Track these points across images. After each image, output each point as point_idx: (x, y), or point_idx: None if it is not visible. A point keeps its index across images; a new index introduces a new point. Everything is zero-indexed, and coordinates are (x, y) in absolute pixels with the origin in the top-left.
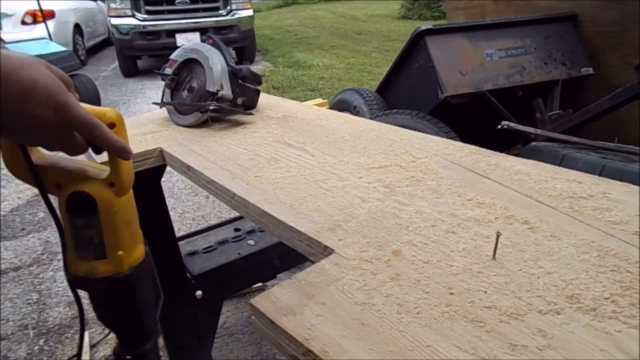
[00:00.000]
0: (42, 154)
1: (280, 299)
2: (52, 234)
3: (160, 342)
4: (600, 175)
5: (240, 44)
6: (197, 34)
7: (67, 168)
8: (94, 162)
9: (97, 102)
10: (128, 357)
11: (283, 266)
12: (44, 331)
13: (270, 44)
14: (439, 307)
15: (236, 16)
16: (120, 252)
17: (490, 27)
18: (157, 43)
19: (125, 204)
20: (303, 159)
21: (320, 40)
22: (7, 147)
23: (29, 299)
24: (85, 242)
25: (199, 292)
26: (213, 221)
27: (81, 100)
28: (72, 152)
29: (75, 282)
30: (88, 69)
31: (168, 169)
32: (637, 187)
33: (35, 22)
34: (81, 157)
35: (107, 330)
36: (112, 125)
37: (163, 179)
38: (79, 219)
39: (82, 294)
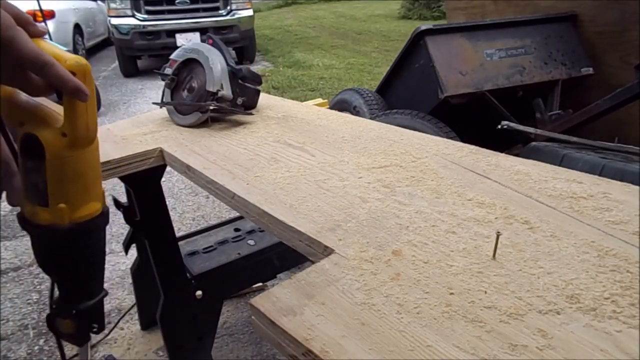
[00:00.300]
0: (8, 89)
1: (280, 299)
2: None
3: (160, 341)
4: (600, 175)
5: (240, 44)
6: (197, 34)
7: (28, 107)
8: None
9: (97, 102)
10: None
11: (283, 266)
12: (44, 331)
13: (270, 44)
14: (439, 307)
15: (236, 16)
16: (62, 205)
17: (490, 27)
18: (157, 43)
19: (79, 157)
20: (303, 159)
21: (320, 40)
22: None
23: (29, 299)
24: (31, 186)
25: (199, 292)
26: (213, 221)
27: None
28: (31, 92)
29: (20, 220)
30: None
31: (168, 169)
32: (637, 187)
33: (35, 22)
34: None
35: (107, 331)
36: (71, 73)
37: (163, 179)
38: (28, 162)
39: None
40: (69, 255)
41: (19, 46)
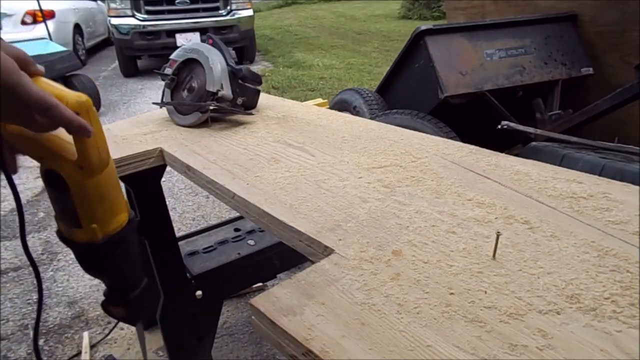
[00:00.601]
0: (17, 127)
1: (280, 299)
2: (52, 234)
3: (160, 341)
4: (600, 175)
5: (240, 44)
6: (197, 34)
7: (41, 142)
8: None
9: (97, 102)
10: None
11: (283, 266)
12: (44, 331)
13: (270, 44)
14: (439, 307)
15: (236, 16)
16: (94, 225)
17: (490, 27)
18: (157, 43)
19: (99, 182)
20: (303, 159)
21: (320, 40)
22: None
23: (29, 299)
24: (62, 211)
25: (199, 292)
26: (213, 221)
27: None
28: (36, 130)
29: (60, 238)
30: (88, 69)
31: (168, 169)
32: (637, 187)
33: (35, 22)
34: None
35: (107, 331)
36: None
37: (163, 179)
38: (54, 193)
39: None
40: (109, 263)
41: (23, 90)
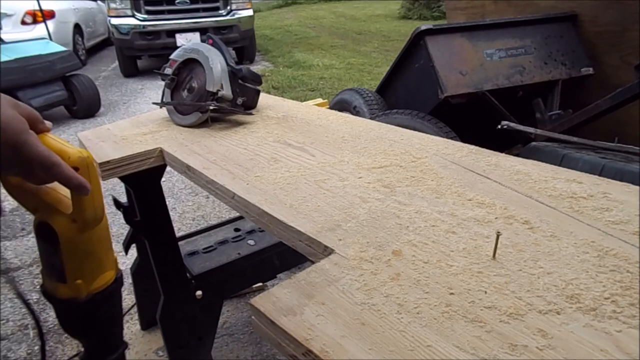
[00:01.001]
0: (17, 178)
1: (280, 299)
2: None
3: (160, 341)
4: (600, 175)
5: (240, 44)
6: (197, 34)
7: (38, 194)
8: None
9: (97, 102)
10: None
11: (283, 266)
12: (44, 331)
13: (270, 44)
14: (439, 307)
15: (236, 16)
16: (79, 281)
17: (490, 27)
18: (157, 43)
19: (91, 237)
20: (303, 159)
21: (320, 40)
22: None
23: (29, 299)
24: (49, 265)
25: (199, 292)
26: (213, 221)
27: (81, 100)
28: (35, 183)
29: (43, 293)
30: (88, 69)
31: (168, 169)
32: (637, 187)
33: (35, 22)
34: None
35: None
36: (75, 169)
37: (163, 179)
38: (44, 245)
39: None
40: (90, 322)
41: (30, 149)
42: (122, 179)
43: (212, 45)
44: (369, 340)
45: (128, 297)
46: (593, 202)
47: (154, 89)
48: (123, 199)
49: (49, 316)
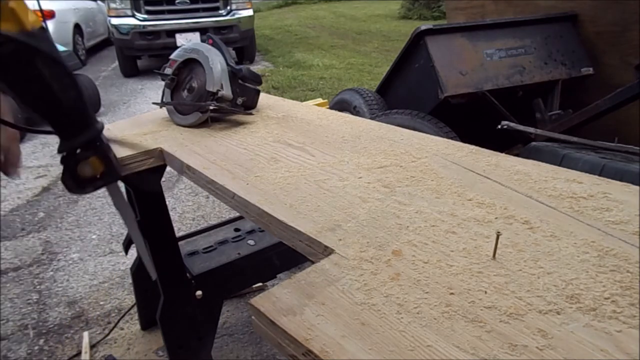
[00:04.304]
0: None
1: (280, 299)
2: (52, 234)
3: (160, 341)
4: (600, 175)
5: (240, 44)
6: (197, 34)
7: None
8: None
9: (97, 102)
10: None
11: (283, 266)
12: (44, 331)
13: (270, 44)
14: (439, 307)
15: (236, 16)
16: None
17: (490, 27)
18: (157, 43)
19: None
20: (303, 159)
21: (320, 40)
22: None
23: (29, 299)
24: None
25: (199, 292)
26: (213, 221)
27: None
28: None
29: None
30: (88, 69)
31: (168, 168)
32: (637, 187)
33: None
34: None
35: (107, 331)
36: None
37: (163, 179)
38: None
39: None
40: (39, 75)
41: None
42: (122, 178)
43: (212, 45)
44: (369, 340)
45: (128, 297)
46: (593, 202)
47: (154, 89)
48: None
49: (49, 316)
